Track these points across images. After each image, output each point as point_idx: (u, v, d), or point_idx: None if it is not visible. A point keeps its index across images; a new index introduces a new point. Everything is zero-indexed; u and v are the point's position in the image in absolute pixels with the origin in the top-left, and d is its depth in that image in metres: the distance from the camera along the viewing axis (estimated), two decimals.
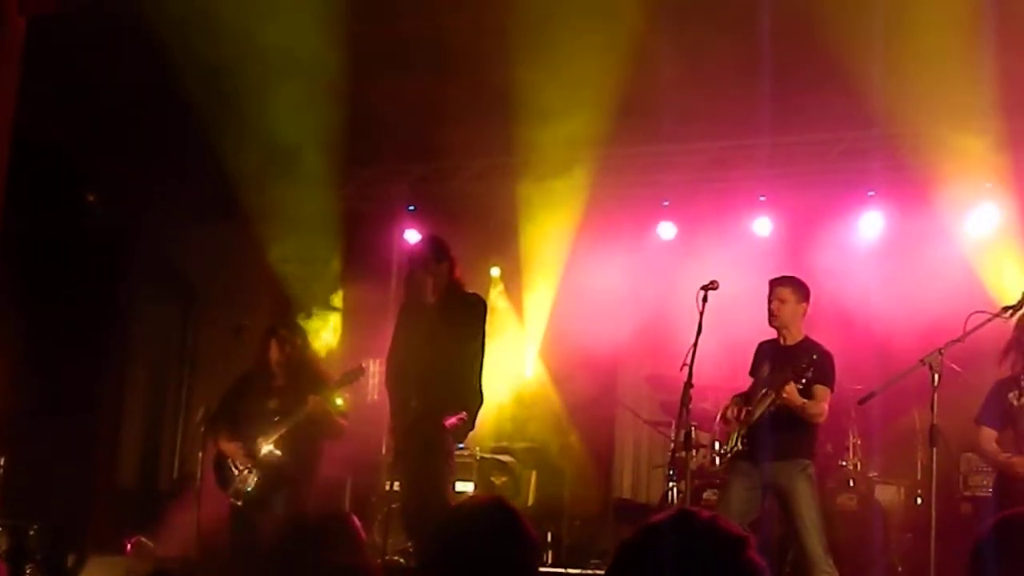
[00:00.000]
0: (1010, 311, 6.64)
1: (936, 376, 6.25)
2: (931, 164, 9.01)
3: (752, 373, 7.59)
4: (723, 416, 7.66)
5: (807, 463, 7.19)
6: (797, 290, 7.40)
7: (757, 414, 7.25)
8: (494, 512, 3.47)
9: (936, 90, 8.05)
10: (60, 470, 9.88)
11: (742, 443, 7.36)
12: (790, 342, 7.38)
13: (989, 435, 6.89)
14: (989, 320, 6.56)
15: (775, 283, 7.44)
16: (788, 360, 7.20)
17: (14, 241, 6.61)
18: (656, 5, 7.93)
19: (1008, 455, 6.71)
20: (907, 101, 8.25)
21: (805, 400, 7.07)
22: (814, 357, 7.09)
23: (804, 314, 7.43)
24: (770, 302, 7.40)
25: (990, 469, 7.88)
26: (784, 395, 7.04)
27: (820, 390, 7.16)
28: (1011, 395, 6.79)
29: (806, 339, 7.39)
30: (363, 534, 3.99)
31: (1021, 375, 6.80)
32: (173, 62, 8.38)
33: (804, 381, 7.04)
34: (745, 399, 7.46)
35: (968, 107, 8.26)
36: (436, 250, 7.69)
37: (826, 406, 7.19)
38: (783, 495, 7.17)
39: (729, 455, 7.44)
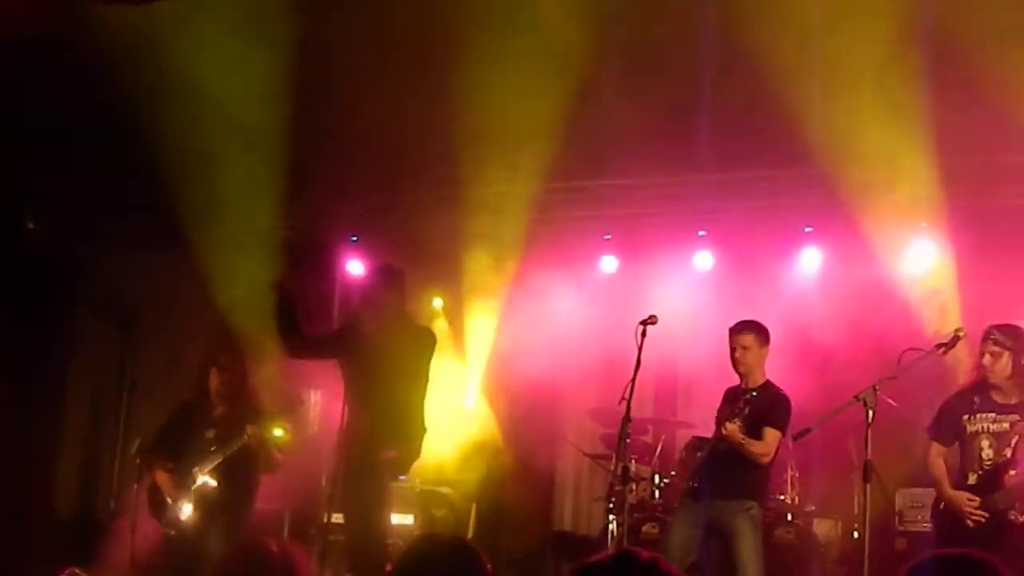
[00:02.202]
0: (943, 348, 6.74)
1: (870, 412, 6.31)
2: (867, 202, 9.14)
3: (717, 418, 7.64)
4: (680, 458, 7.72)
5: (752, 504, 7.24)
6: (759, 335, 7.48)
7: (706, 453, 7.34)
8: (456, 552, 3.45)
9: (872, 129, 8.16)
10: None
11: (694, 482, 7.43)
12: (751, 386, 7.43)
13: (938, 451, 6.94)
14: (922, 357, 6.66)
15: (736, 331, 7.51)
16: (747, 402, 7.26)
17: None
18: (600, 43, 7.98)
19: (955, 493, 6.75)
20: (843, 140, 8.36)
21: (745, 438, 7.12)
22: (753, 394, 7.15)
23: (766, 357, 7.50)
24: (733, 350, 7.46)
25: (924, 505, 7.98)
26: (724, 432, 7.10)
27: (769, 432, 7.22)
28: (965, 417, 6.86)
29: (767, 383, 7.45)
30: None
31: (974, 394, 6.86)
32: (119, 90, 8.33)
33: (738, 420, 7.09)
34: (702, 442, 7.54)
35: (903, 146, 8.38)
36: (384, 279, 7.69)
37: (771, 449, 7.23)
38: (724, 535, 7.21)
39: (664, 489, 7.47)
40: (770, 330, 7.62)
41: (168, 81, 8.20)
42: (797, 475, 8.81)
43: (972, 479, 6.74)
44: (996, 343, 6.78)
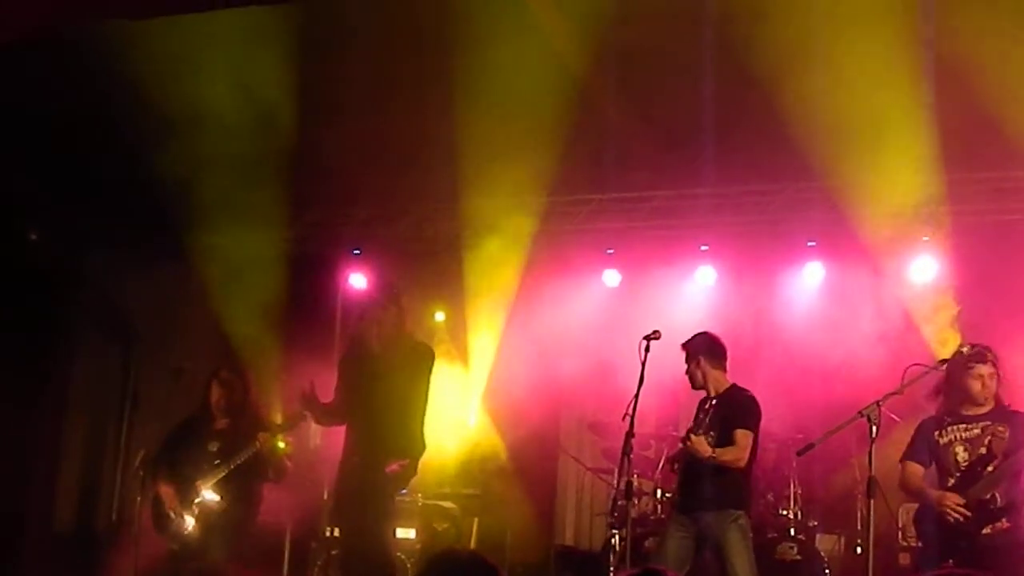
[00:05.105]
0: (946, 364, 6.75)
1: (874, 428, 6.30)
2: (870, 216, 9.15)
3: None
4: (669, 465, 7.74)
5: (739, 514, 7.23)
6: (697, 347, 7.52)
7: (681, 466, 7.41)
8: (475, 569, 3.44)
9: (875, 144, 8.18)
10: None
11: (679, 495, 7.45)
12: (714, 394, 7.46)
13: (915, 471, 6.91)
14: (926, 373, 6.65)
15: (683, 346, 7.61)
16: (714, 410, 7.32)
17: None
18: (601, 56, 8.00)
19: (939, 492, 6.72)
20: (847, 154, 8.37)
21: (714, 449, 7.13)
22: (712, 402, 7.21)
23: (715, 366, 7.51)
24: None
25: None
26: (689, 448, 7.13)
27: (739, 434, 7.23)
28: (936, 433, 6.86)
29: (732, 388, 7.49)
30: None
31: (945, 415, 6.87)
32: (120, 102, 8.34)
33: (701, 433, 7.13)
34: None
35: (906, 161, 8.39)
36: (386, 296, 7.70)
37: (744, 452, 7.22)
38: (716, 546, 7.23)
39: (666, 503, 7.48)
40: (773, 345, 7.62)
41: (171, 93, 8.22)
42: (800, 491, 8.80)
43: (950, 483, 6.74)
44: (993, 364, 6.80)
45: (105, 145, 9.25)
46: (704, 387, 7.50)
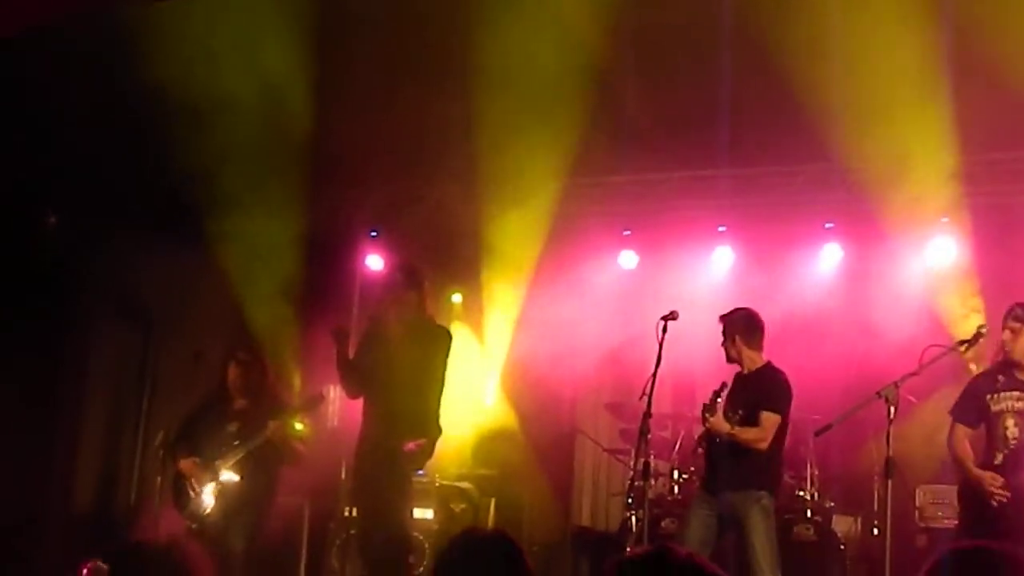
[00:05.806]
0: (965, 345, 6.69)
1: (892, 409, 6.28)
2: (888, 198, 9.12)
3: None
4: (698, 445, 7.74)
5: (762, 494, 7.19)
6: (733, 324, 7.48)
7: (704, 447, 7.44)
8: (498, 545, 3.46)
9: (893, 125, 8.14)
10: (13, 493, 9.79)
11: (704, 473, 7.45)
12: (747, 371, 7.45)
13: (963, 433, 6.80)
14: (944, 354, 6.60)
15: (721, 319, 7.55)
16: (745, 388, 7.28)
17: None
18: (619, 37, 7.98)
19: (980, 472, 6.62)
20: (864, 135, 8.34)
21: (735, 428, 7.12)
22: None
23: (751, 344, 7.46)
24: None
25: (945, 501, 7.95)
26: (707, 426, 7.12)
27: (765, 416, 7.19)
28: (989, 397, 6.71)
29: (766, 367, 7.44)
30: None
31: (998, 374, 6.74)
32: (135, 86, 8.35)
33: (718, 411, 7.11)
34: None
35: (924, 143, 8.36)
36: (407, 278, 7.70)
37: (767, 433, 7.17)
38: (737, 526, 7.20)
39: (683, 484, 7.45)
40: (790, 326, 7.58)
41: (188, 80, 8.22)
42: (817, 472, 8.80)
43: (999, 459, 6.61)
44: (1017, 319, 6.68)
45: (123, 131, 9.26)
46: (738, 363, 7.48)
